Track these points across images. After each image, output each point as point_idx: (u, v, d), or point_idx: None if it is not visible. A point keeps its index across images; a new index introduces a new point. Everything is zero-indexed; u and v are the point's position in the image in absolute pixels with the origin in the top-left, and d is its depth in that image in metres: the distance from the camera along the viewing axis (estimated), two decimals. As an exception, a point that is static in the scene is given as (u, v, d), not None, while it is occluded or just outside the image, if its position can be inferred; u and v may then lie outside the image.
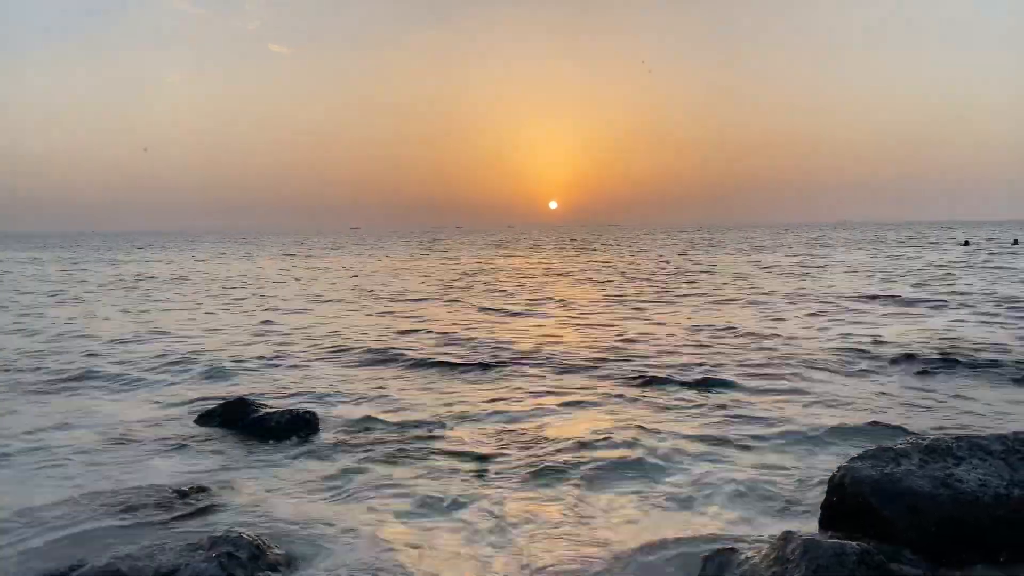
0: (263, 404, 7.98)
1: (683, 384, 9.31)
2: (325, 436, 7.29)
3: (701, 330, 13.92)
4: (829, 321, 14.90)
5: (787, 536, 3.88)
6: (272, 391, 9.28)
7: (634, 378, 9.69)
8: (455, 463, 6.46)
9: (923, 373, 9.71)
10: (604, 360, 11.04)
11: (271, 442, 7.11)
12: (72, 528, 5.11)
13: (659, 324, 15.03)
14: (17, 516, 5.33)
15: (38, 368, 10.96)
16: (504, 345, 12.52)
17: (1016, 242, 53.22)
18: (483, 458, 6.56)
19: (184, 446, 7.03)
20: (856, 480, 4.19)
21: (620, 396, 8.79)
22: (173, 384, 9.90)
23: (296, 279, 30.34)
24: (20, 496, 5.76)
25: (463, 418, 7.92)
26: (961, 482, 4.02)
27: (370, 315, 17.52)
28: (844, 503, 4.24)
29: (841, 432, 7.08)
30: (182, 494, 5.52)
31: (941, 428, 7.17)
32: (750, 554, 4.12)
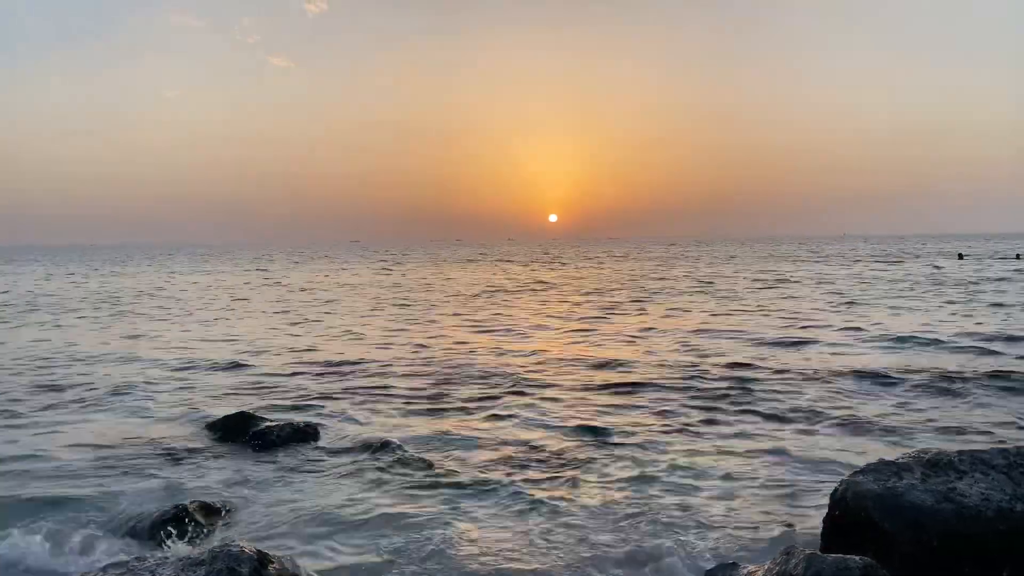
0: (263, 418, 7.96)
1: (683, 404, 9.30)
2: (326, 448, 7.27)
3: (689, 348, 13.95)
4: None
5: (789, 551, 3.86)
6: (271, 404, 9.24)
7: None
8: (450, 478, 6.43)
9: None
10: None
11: (272, 455, 7.08)
12: (71, 543, 5.08)
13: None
14: (15, 528, 5.29)
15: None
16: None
17: (1019, 256, 52.61)
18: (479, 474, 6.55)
19: (186, 460, 6.99)
20: (858, 494, 4.18)
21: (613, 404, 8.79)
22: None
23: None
24: (18, 510, 5.72)
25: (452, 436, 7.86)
26: (964, 496, 4.01)
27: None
28: (846, 517, 4.23)
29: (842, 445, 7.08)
30: (184, 507, 5.48)
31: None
32: (752, 568, 4.11)
